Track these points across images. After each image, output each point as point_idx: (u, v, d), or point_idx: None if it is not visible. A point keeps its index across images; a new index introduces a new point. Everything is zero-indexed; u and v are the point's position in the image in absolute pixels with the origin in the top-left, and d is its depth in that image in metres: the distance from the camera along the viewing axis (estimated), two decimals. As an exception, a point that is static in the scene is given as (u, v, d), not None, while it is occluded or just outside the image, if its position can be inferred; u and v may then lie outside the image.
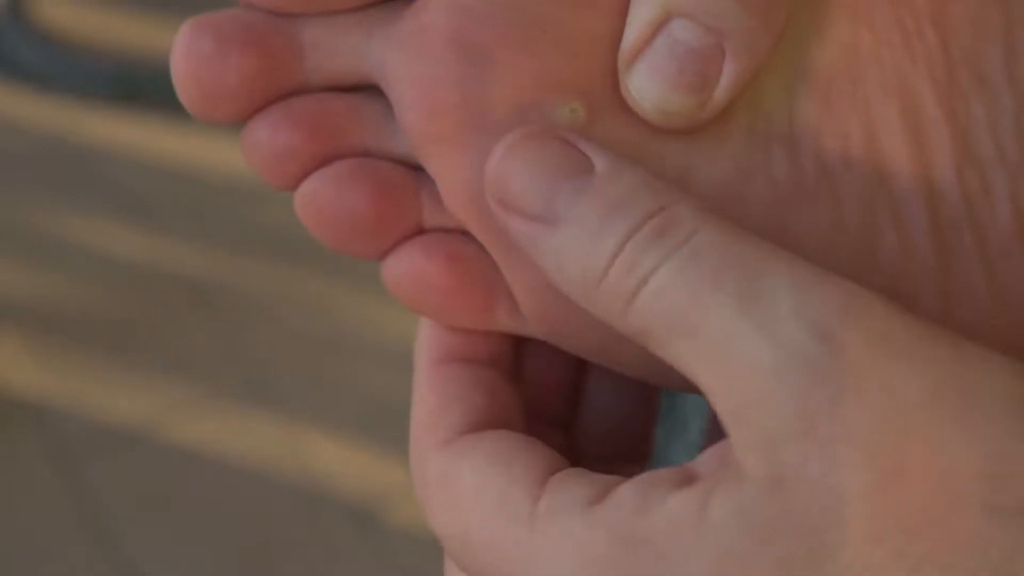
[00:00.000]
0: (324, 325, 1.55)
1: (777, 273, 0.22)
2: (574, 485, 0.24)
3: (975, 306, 0.25)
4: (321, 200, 0.26)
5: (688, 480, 0.23)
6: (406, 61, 0.25)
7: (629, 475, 0.24)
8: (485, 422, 0.27)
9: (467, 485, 0.25)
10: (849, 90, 0.24)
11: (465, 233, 0.26)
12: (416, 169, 0.26)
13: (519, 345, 0.29)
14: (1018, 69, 0.24)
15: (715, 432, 0.31)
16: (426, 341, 0.28)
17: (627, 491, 0.23)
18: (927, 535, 0.20)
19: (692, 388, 0.26)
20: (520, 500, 0.24)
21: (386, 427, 1.44)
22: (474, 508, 0.24)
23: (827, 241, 0.25)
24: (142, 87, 1.80)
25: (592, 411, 0.30)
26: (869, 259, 0.25)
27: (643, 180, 0.23)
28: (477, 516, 0.24)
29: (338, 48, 0.26)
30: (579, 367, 0.30)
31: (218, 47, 0.25)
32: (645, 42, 0.24)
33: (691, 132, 0.25)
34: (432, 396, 0.27)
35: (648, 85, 0.24)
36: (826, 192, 0.24)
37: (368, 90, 0.26)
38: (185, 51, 0.25)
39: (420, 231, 0.26)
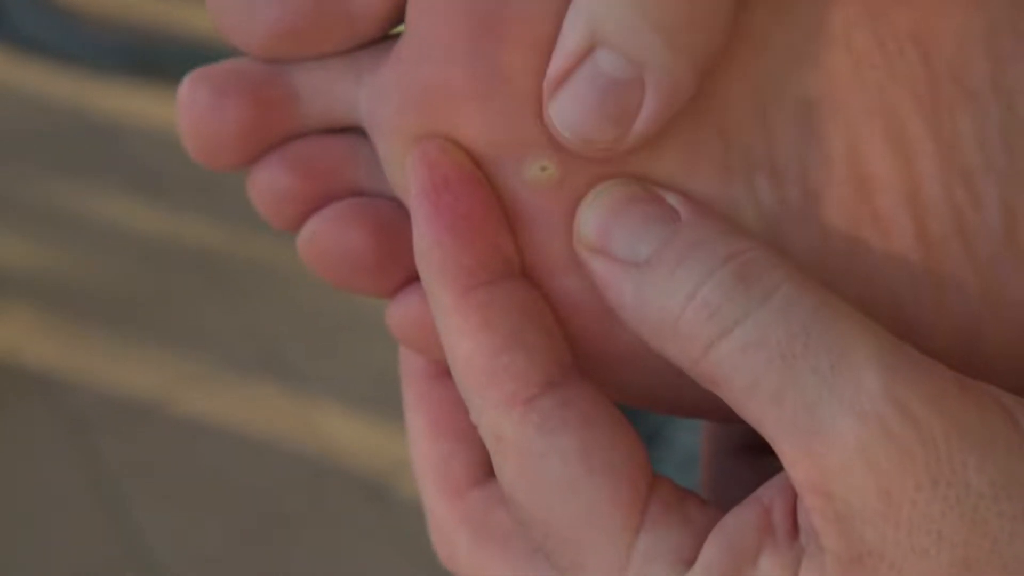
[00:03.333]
0: (336, 299, 1.55)
1: (866, 347, 0.22)
2: (666, 539, 0.24)
3: (967, 312, 0.25)
4: (321, 242, 0.27)
5: (768, 532, 0.23)
6: (387, 117, 0.25)
7: None
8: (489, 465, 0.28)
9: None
10: (829, 113, 0.24)
11: None
12: None
13: None
14: (1003, 78, 0.24)
15: (706, 453, 0.31)
16: (410, 354, 0.29)
17: (716, 553, 0.23)
18: None
19: (727, 420, 0.26)
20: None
21: (397, 401, 1.44)
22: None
23: (813, 258, 0.25)
24: (156, 60, 1.80)
25: None
26: (857, 273, 0.25)
27: (724, 226, 0.24)
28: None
29: (329, 94, 0.26)
30: None
31: (215, 98, 0.26)
32: (570, 70, 0.24)
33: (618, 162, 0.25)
34: (432, 446, 0.28)
35: (568, 113, 0.24)
36: (812, 213, 0.25)
37: (362, 130, 0.27)
38: (185, 103, 0.26)
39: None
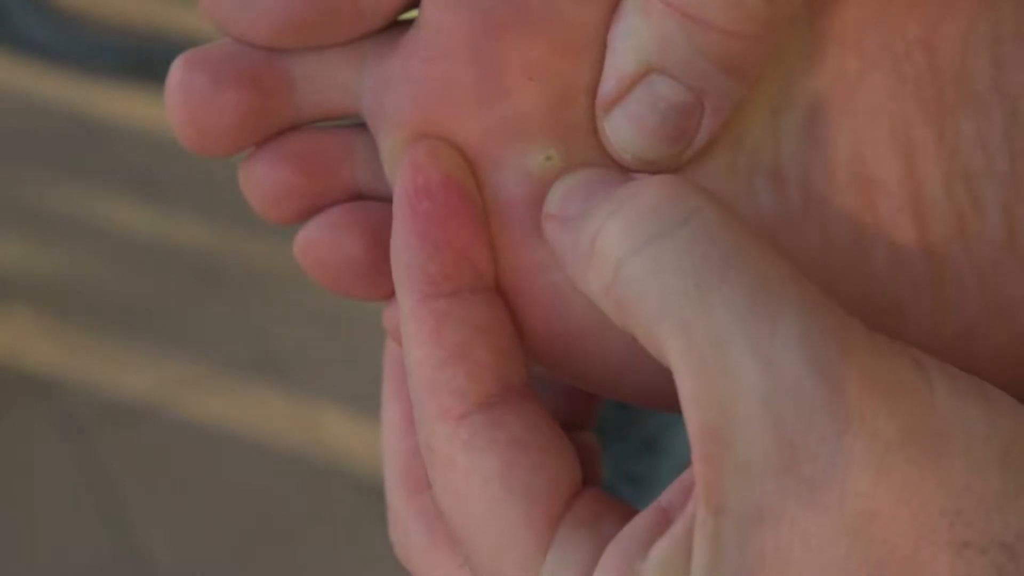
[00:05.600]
0: (333, 301, 1.55)
1: (786, 290, 0.21)
2: (573, 556, 0.23)
3: (966, 314, 0.25)
4: (317, 249, 0.27)
5: (663, 528, 0.22)
6: (393, 109, 0.25)
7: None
8: None
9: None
10: (836, 117, 0.24)
11: None
12: None
13: None
14: (1006, 82, 0.24)
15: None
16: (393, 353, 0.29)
17: (609, 557, 0.23)
18: (898, 574, 0.21)
19: (668, 408, 0.26)
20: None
21: (396, 402, 1.44)
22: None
23: (816, 261, 0.25)
24: (153, 63, 1.80)
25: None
26: (856, 276, 0.25)
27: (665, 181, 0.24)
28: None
29: (330, 83, 0.26)
30: None
31: (212, 85, 0.25)
32: (624, 93, 0.24)
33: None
34: (400, 439, 0.29)
35: (628, 135, 0.24)
36: (813, 217, 0.25)
37: (360, 123, 0.27)
38: (179, 87, 0.25)
39: None
